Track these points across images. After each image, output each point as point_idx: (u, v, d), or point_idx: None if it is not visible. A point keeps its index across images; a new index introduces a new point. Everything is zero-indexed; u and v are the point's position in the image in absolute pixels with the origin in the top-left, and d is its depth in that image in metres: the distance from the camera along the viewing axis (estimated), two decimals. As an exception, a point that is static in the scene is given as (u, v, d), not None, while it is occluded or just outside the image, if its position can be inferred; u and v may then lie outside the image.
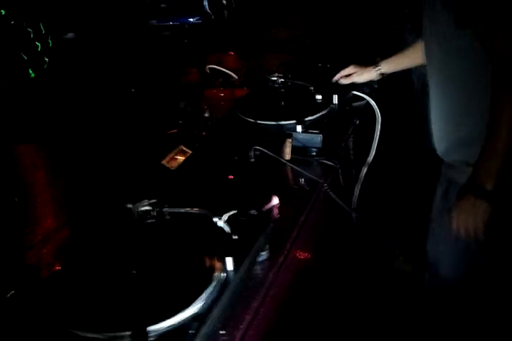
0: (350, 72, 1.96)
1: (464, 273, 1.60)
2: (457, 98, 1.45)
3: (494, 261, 1.57)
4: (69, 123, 1.84)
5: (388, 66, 1.92)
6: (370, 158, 1.85)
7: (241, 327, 1.01)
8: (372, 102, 1.88)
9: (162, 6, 2.72)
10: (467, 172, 1.39)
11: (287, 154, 1.58)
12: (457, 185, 1.46)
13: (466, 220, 1.39)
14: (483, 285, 1.59)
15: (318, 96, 1.84)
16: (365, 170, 1.86)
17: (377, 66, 1.92)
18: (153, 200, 1.20)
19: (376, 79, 1.97)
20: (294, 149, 1.60)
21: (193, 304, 0.94)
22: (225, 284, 1.01)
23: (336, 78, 1.97)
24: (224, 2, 2.83)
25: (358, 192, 1.86)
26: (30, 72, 1.96)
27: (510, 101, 1.24)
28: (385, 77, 1.97)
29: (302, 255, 1.43)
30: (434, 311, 1.75)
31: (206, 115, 1.87)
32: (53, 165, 1.71)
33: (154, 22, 2.62)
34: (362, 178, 1.86)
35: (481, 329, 1.64)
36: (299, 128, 1.64)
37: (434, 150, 1.59)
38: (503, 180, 1.35)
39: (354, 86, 1.97)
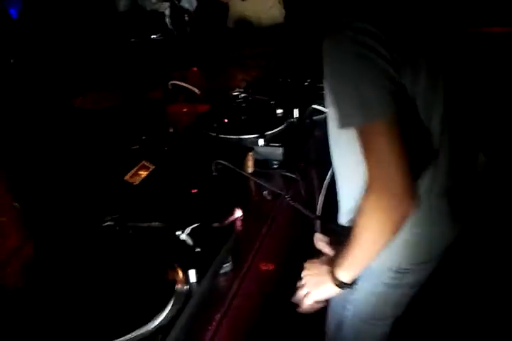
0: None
1: None
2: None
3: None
4: (30, 142, 1.83)
5: None
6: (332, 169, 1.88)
7: (205, 338, 1.03)
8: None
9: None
10: None
11: (249, 167, 1.61)
12: None
13: (311, 295, 1.25)
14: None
15: (279, 111, 1.88)
16: (327, 180, 1.89)
17: None
18: (115, 216, 1.21)
19: None
20: (256, 162, 1.64)
21: (156, 317, 0.96)
22: (188, 296, 1.03)
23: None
24: (186, 18, 2.87)
25: (321, 202, 1.89)
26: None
27: (374, 221, 1.10)
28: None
29: (266, 266, 1.45)
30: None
31: (171, 130, 1.90)
32: (15, 183, 1.69)
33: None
34: (325, 188, 1.89)
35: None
36: (260, 141, 1.68)
37: None
38: None
39: (314, 100, 2.02)
